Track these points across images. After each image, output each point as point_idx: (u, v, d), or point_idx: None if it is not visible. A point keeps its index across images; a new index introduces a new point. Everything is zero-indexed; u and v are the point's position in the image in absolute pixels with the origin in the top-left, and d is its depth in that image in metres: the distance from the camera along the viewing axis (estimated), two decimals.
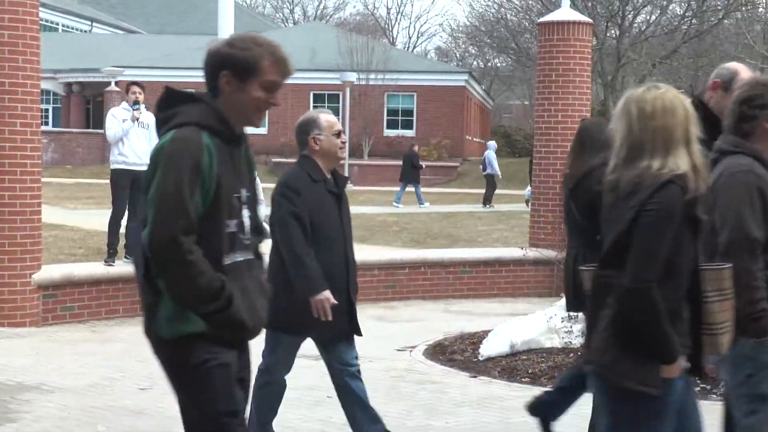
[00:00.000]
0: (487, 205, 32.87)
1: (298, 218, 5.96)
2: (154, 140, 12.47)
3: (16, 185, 10.97)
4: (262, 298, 4.18)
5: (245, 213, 4.08)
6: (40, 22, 11.63)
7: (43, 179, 11.65)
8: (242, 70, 4.01)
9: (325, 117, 6.19)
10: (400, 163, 48.51)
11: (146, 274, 3.96)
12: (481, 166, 35.82)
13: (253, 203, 4.16)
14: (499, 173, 35.38)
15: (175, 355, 4.02)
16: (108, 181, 12.92)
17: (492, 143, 37.01)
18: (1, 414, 7.50)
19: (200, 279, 3.84)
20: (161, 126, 4.06)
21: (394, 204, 32.03)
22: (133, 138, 12.31)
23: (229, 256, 3.99)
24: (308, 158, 6.12)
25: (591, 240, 6.46)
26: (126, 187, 12.29)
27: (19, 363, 9.24)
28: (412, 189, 33.48)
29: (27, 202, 11.07)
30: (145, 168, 12.78)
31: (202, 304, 3.89)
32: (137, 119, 12.35)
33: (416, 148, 37.50)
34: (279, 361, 6.40)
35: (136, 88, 12.55)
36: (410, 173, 34.10)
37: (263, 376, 6.46)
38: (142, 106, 12.45)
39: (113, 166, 12.37)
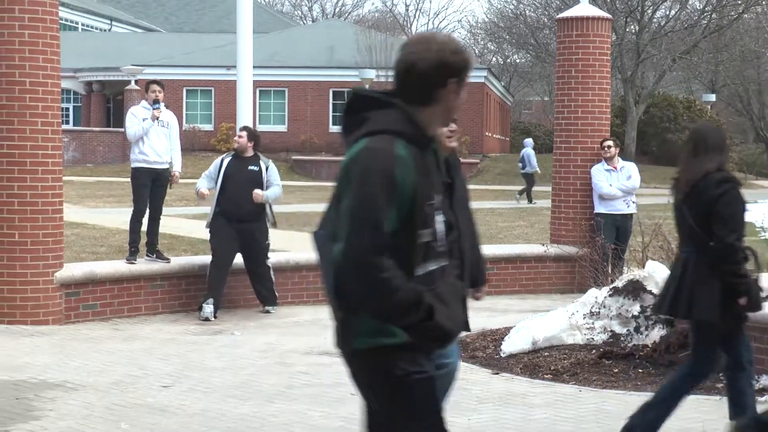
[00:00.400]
0: (532, 201, 33.05)
1: None
2: (174, 138, 12.52)
3: (38, 184, 11.02)
4: (458, 302, 4.04)
5: (438, 219, 3.91)
6: (60, 21, 11.67)
7: (64, 178, 11.69)
8: (464, 75, 3.91)
9: None
10: None
11: (337, 288, 3.83)
12: (519, 164, 35.74)
13: (447, 206, 4.01)
14: (538, 169, 35.41)
15: (376, 368, 3.87)
16: (129, 179, 12.95)
17: (529, 140, 36.88)
18: (24, 412, 7.54)
19: (395, 296, 3.71)
20: (349, 132, 3.89)
21: None
22: (153, 137, 12.32)
23: (422, 267, 3.84)
24: None
25: (703, 245, 6.38)
26: (147, 184, 12.32)
27: (42, 361, 9.28)
28: None
29: (49, 201, 11.11)
30: (165, 166, 12.79)
31: (399, 320, 3.76)
32: (157, 118, 12.35)
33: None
34: None
35: (155, 87, 12.55)
36: None
37: None
38: (162, 105, 12.47)
39: (134, 165, 12.40)
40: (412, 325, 3.78)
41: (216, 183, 12.15)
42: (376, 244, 3.70)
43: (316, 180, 45.31)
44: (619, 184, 13.78)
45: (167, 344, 10.34)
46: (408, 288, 3.75)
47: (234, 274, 12.32)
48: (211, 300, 11.86)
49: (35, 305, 11.01)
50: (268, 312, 12.26)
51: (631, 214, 13.86)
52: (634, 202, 13.84)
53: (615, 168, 13.90)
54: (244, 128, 12.63)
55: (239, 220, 12.01)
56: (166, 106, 12.64)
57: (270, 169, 12.37)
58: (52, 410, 7.59)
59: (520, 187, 35.31)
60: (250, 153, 12.28)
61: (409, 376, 3.84)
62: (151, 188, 12.35)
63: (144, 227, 12.48)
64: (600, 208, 13.85)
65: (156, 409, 7.67)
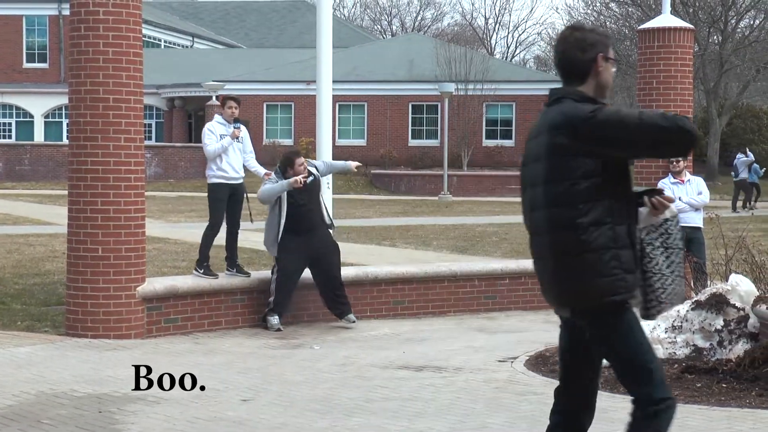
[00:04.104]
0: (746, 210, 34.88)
1: None
2: (248, 150, 12.61)
3: (121, 199, 11.16)
4: None
5: None
6: (143, 38, 11.82)
7: (146, 193, 11.83)
8: None
9: None
10: (499, 173, 48.41)
11: None
12: (732, 173, 37.61)
13: None
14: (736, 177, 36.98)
15: None
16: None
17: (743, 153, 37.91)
18: (107, 425, 7.62)
19: None
20: None
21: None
22: (231, 153, 12.38)
23: None
24: None
25: None
26: (224, 199, 12.39)
27: (125, 374, 9.38)
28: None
29: (131, 216, 11.24)
30: (240, 181, 12.87)
31: None
32: (237, 137, 12.41)
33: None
34: None
35: (233, 103, 12.61)
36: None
37: None
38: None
39: (212, 181, 12.45)
40: None
41: (279, 205, 12.14)
42: None
43: (395, 194, 45.35)
44: (688, 198, 13.75)
45: (247, 358, 10.41)
46: None
47: (312, 288, 12.37)
48: (276, 314, 12.00)
49: (118, 319, 11.15)
50: (353, 322, 12.29)
51: (700, 227, 13.83)
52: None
53: (682, 181, 13.87)
54: (299, 154, 12.56)
55: (309, 230, 12.11)
56: (241, 122, 12.69)
57: (319, 166, 12.55)
58: (134, 423, 7.66)
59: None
60: None
61: None
62: (228, 203, 12.43)
63: (222, 242, 12.56)
64: None
65: (236, 423, 7.71)
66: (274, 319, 12.02)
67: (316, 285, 12.34)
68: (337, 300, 12.34)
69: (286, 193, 12.07)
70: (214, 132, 12.41)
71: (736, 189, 36.51)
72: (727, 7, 49.55)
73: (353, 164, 13.13)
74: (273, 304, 12.06)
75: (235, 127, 12.44)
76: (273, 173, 12.47)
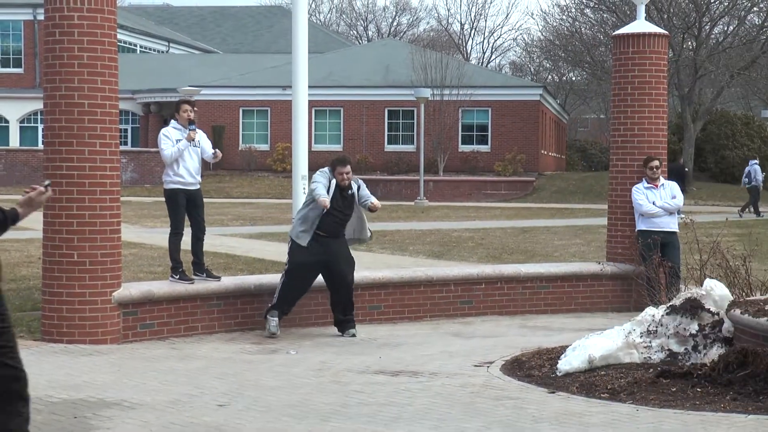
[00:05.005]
0: (761, 215, 35.19)
1: None
2: (206, 150, 12.47)
3: (96, 205, 11.13)
4: None
5: None
6: (119, 43, 11.79)
7: (122, 198, 11.79)
8: None
9: None
10: (475, 178, 48.52)
11: None
12: (745, 179, 37.67)
13: None
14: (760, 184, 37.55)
15: None
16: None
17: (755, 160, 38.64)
18: (83, 430, 7.60)
19: None
20: None
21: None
22: (187, 158, 12.24)
23: None
24: None
25: None
26: (182, 205, 12.25)
27: (101, 380, 9.35)
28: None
29: (107, 221, 11.22)
30: (197, 186, 12.57)
31: None
32: (193, 139, 12.28)
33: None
34: None
35: (187, 107, 12.47)
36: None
37: None
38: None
39: (170, 186, 12.26)
40: None
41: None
42: None
43: None
44: (662, 202, 13.82)
45: (224, 363, 10.39)
46: None
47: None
48: (277, 313, 11.89)
49: (93, 324, 11.12)
50: (353, 336, 12.13)
51: (675, 232, 13.89)
52: (681, 217, 13.93)
53: (656, 186, 13.94)
54: (345, 164, 12.15)
55: (330, 236, 11.96)
56: (195, 124, 12.60)
57: (361, 188, 12.30)
58: (109, 429, 7.64)
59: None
60: None
61: None
62: (187, 208, 12.31)
63: (187, 246, 12.45)
64: (641, 226, 13.92)
65: (212, 428, 7.70)
66: (273, 321, 11.93)
67: (329, 292, 12.26)
68: (344, 315, 12.21)
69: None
70: (170, 137, 12.26)
71: (755, 193, 36.63)
72: (701, 14, 49.80)
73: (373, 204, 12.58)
74: (275, 302, 11.99)
75: (190, 129, 12.31)
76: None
